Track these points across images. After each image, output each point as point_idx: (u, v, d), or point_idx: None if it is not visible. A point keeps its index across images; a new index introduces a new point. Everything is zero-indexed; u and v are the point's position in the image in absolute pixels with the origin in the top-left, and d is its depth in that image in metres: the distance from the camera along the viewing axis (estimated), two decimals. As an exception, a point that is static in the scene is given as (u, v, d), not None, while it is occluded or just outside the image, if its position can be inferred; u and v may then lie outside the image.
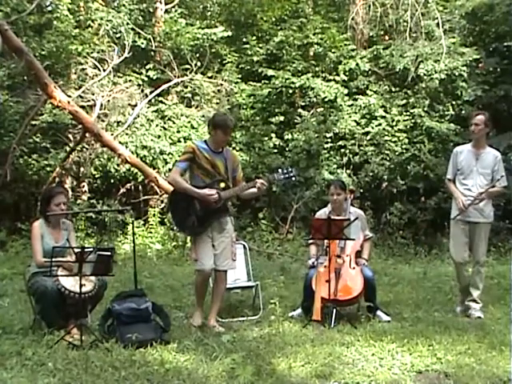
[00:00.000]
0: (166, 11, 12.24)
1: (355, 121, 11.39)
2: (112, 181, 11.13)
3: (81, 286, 4.18)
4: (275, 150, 11.39)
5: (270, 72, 11.68)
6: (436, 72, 10.98)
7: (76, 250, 4.18)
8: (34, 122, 10.28)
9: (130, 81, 11.28)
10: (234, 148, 11.41)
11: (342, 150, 11.37)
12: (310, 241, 5.46)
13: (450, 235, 5.51)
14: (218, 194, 4.62)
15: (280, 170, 4.80)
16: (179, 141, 11.07)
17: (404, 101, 11.54)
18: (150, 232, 10.28)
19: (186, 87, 11.78)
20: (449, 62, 10.94)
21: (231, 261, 4.83)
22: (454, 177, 5.34)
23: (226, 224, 4.78)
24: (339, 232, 4.87)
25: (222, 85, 11.74)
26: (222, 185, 4.67)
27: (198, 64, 11.71)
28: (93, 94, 10.62)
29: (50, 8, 11.84)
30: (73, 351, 3.91)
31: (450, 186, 5.39)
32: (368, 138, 11.24)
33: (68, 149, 10.61)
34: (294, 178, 4.81)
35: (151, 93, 11.22)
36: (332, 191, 5.28)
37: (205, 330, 4.61)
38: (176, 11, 12.10)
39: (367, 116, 11.44)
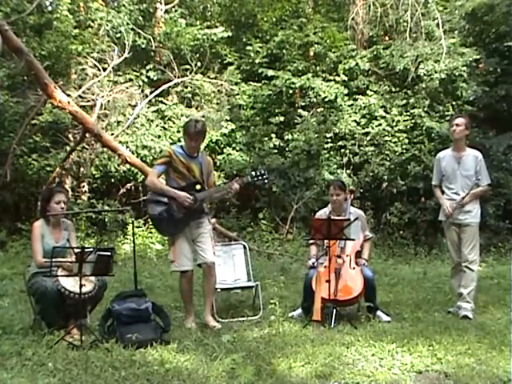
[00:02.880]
0: (166, 11, 12.24)
1: (355, 121, 11.39)
2: (112, 181, 11.13)
3: (81, 286, 4.18)
4: (275, 151, 11.38)
5: (271, 72, 11.68)
6: (436, 72, 10.98)
7: (76, 250, 4.18)
8: (33, 122, 10.28)
9: (130, 80, 11.29)
10: (233, 148, 11.43)
11: (342, 150, 11.37)
12: (311, 241, 5.46)
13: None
14: (194, 196, 4.73)
15: (253, 173, 4.96)
16: (179, 140, 11.05)
17: (404, 101, 11.55)
18: (150, 232, 10.26)
19: (186, 87, 11.78)
20: (449, 62, 10.94)
21: (213, 254, 4.91)
22: (440, 183, 5.45)
23: (202, 223, 4.88)
24: (339, 232, 4.87)
25: (222, 85, 11.75)
26: (198, 187, 4.80)
27: (198, 64, 11.73)
28: (93, 94, 10.62)
29: (50, 8, 11.85)
30: (73, 351, 3.91)
31: (436, 192, 5.54)
32: (368, 138, 11.24)
33: (68, 149, 10.61)
34: (266, 181, 4.99)
35: (151, 93, 11.22)
36: (332, 191, 5.29)
37: (205, 330, 4.61)
38: (176, 11, 12.11)
39: (367, 116, 11.44)
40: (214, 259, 4.89)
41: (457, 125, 5.24)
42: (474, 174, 5.23)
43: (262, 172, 4.96)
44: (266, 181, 4.97)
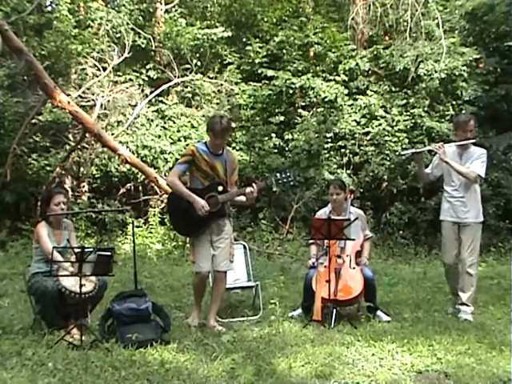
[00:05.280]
0: (166, 11, 12.24)
1: (355, 121, 11.39)
2: (112, 181, 11.13)
3: (81, 286, 4.18)
4: (275, 150, 11.39)
5: (271, 72, 11.69)
6: (436, 72, 10.98)
7: (76, 250, 4.18)
8: (33, 122, 10.27)
9: (130, 80, 11.29)
10: (233, 148, 11.42)
11: (342, 150, 11.37)
12: (311, 241, 5.46)
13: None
14: (216, 198, 4.63)
15: (278, 175, 4.80)
16: (179, 140, 11.08)
17: (404, 101, 11.54)
18: (150, 232, 10.28)
19: (186, 87, 11.79)
20: (449, 62, 10.95)
21: (229, 262, 4.85)
22: (433, 171, 5.34)
23: (224, 226, 4.79)
24: (339, 232, 4.87)
25: (222, 85, 11.75)
26: (220, 188, 4.68)
27: (199, 64, 11.74)
28: (93, 94, 10.63)
29: (49, 8, 11.87)
30: (73, 351, 3.91)
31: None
32: (368, 138, 11.25)
33: (68, 149, 10.61)
34: (292, 184, 4.81)
35: (151, 93, 11.22)
36: (331, 191, 5.29)
37: (205, 330, 4.61)
38: (176, 11, 12.10)
39: (367, 116, 11.44)
40: (227, 268, 4.83)
41: (470, 131, 5.12)
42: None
43: (288, 174, 4.78)
44: (291, 183, 4.79)
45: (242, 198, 4.79)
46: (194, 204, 4.59)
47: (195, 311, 4.87)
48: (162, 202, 10.46)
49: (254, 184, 4.72)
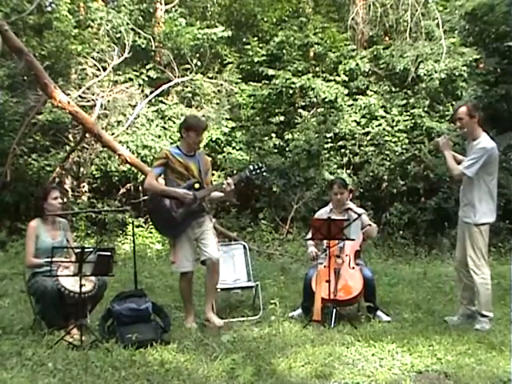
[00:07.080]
0: (166, 11, 12.24)
1: (355, 121, 11.40)
2: (112, 181, 11.13)
3: (81, 286, 4.18)
4: (275, 150, 11.39)
5: (271, 72, 11.70)
6: (436, 72, 10.98)
7: (76, 250, 4.19)
8: (33, 122, 10.27)
9: (130, 79, 11.29)
10: (233, 148, 11.43)
11: (343, 150, 11.37)
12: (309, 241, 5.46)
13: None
14: (194, 195, 4.69)
15: (251, 167, 4.89)
16: (179, 140, 11.04)
17: (404, 101, 11.55)
18: (150, 232, 10.27)
19: (186, 87, 11.79)
20: (449, 62, 10.95)
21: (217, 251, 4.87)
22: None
23: (203, 221, 4.84)
24: (339, 232, 4.87)
25: (222, 85, 11.76)
26: (197, 185, 4.75)
27: (199, 64, 11.74)
28: (93, 94, 10.62)
29: (49, 8, 11.86)
30: (73, 351, 3.91)
31: None
32: (368, 138, 11.25)
33: (68, 149, 10.61)
34: (264, 174, 4.91)
35: (151, 93, 11.23)
36: (335, 190, 5.29)
37: (205, 330, 4.61)
38: (176, 11, 12.11)
39: (367, 116, 11.45)
40: (218, 255, 4.84)
41: (459, 119, 4.69)
42: None
43: (260, 165, 4.88)
44: (264, 173, 4.89)
45: (220, 194, 4.89)
46: (177, 195, 4.65)
47: (190, 314, 4.84)
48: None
49: (229, 177, 4.81)
